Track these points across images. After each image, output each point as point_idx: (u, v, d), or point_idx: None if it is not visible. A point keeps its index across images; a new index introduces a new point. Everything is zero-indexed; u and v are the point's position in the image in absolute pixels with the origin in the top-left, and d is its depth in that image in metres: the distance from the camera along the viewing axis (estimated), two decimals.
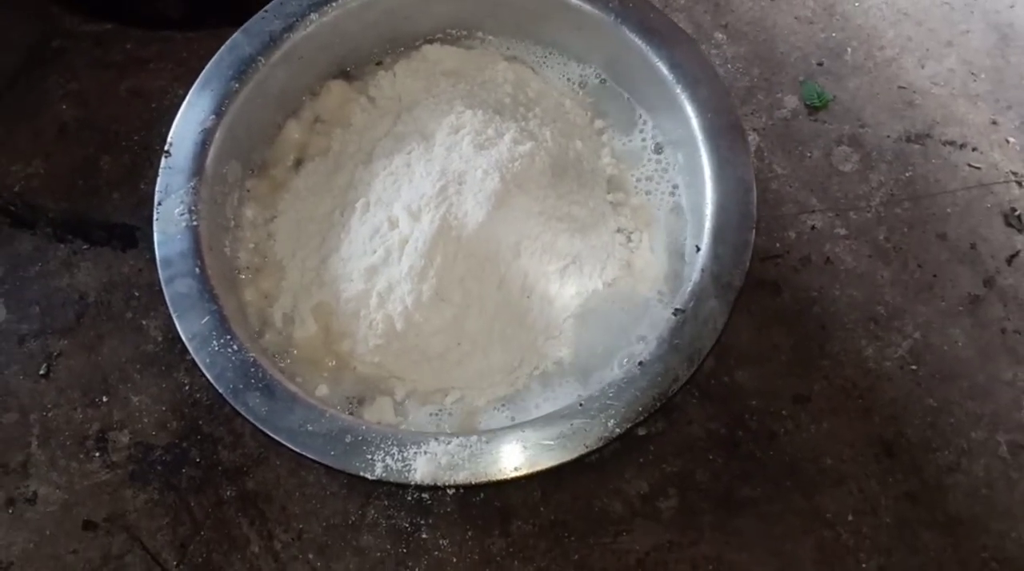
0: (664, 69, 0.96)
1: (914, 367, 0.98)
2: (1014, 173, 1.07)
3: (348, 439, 0.79)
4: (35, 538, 0.91)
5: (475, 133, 0.96)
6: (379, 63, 1.07)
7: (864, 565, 0.90)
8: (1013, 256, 1.03)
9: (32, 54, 1.15)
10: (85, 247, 1.04)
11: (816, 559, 0.90)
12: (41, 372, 0.98)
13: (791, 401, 0.96)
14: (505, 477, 0.79)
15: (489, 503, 0.92)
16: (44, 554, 0.91)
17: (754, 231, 0.87)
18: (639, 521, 0.91)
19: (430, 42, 1.07)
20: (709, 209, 0.89)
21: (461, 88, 1.03)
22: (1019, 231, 1.04)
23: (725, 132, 0.92)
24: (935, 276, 1.02)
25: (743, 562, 0.90)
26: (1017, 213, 1.05)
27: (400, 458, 0.79)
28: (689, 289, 0.86)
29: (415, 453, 0.79)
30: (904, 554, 0.90)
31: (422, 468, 0.78)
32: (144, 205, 0.94)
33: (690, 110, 0.94)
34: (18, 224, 1.06)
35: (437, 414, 0.90)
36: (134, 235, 1.04)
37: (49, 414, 0.96)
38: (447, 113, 0.99)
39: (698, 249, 0.88)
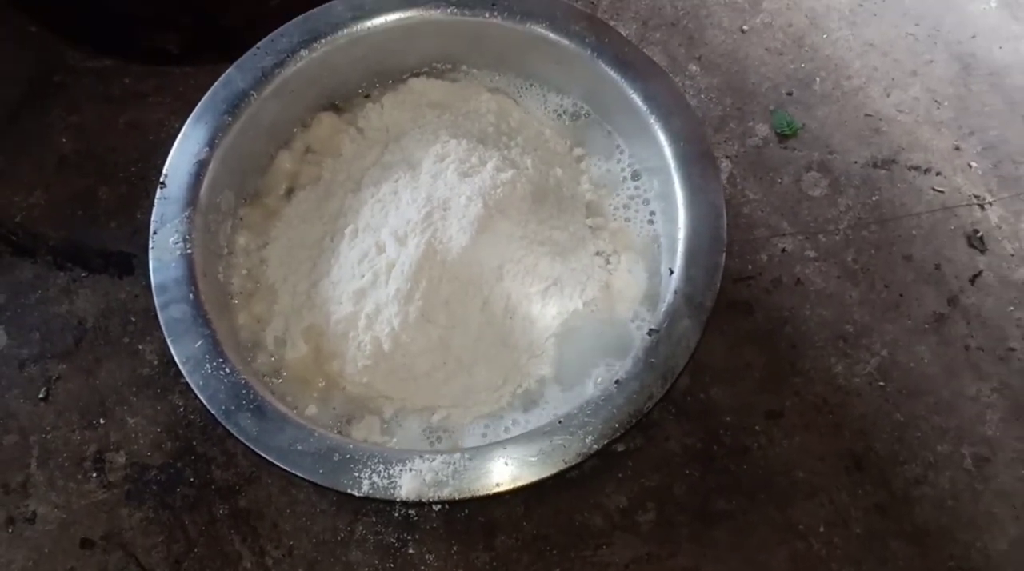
0: (639, 100, 0.97)
1: (882, 383, 0.99)
2: (976, 196, 1.09)
3: (336, 457, 0.80)
4: (34, 556, 0.92)
5: (459, 161, 0.97)
6: (367, 96, 1.08)
7: None
8: (976, 276, 1.04)
9: (35, 88, 1.16)
10: (84, 274, 1.05)
11: (789, 569, 0.90)
12: (41, 395, 0.99)
13: (764, 417, 0.97)
14: (488, 493, 0.80)
15: (473, 518, 0.92)
16: None
17: (725, 254, 0.89)
18: (619, 534, 0.92)
19: (416, 75, 1.09)
20: (682, 233, 0.90)
21: (446, 119, 1.05)
22: (981, 252, 1.05)
23: (697, 160, 0.93)
24: (901, 296, 1.03)
25: None
26: (979, 234, 1.06)
27: (386, 475, 0.80)
28: (663, 310, 0.87)
29: (400, 470, 0.80)
30: (874, 564, 0.91)
31: (407, 485, 0.79)
32: (140, 234, 0.95)
33: (663, 139, 0.95)
34: (19, 252, 1.07)
35: (424, 432, 0.91)
36: (131, 263, 1.05)
37: (48, 436, 0.97)
38: (432, 143, 1.00)
39: (671, 272, 0.89)
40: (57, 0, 1.21)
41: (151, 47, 1.18)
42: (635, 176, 1.02)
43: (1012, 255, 1.05)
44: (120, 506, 0.94)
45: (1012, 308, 1.02)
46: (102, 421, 0.97)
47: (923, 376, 0.99)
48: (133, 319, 1.02)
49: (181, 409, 0.98)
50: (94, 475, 0.95)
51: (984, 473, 0.95)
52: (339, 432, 0.89)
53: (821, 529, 0.92)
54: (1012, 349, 1.00)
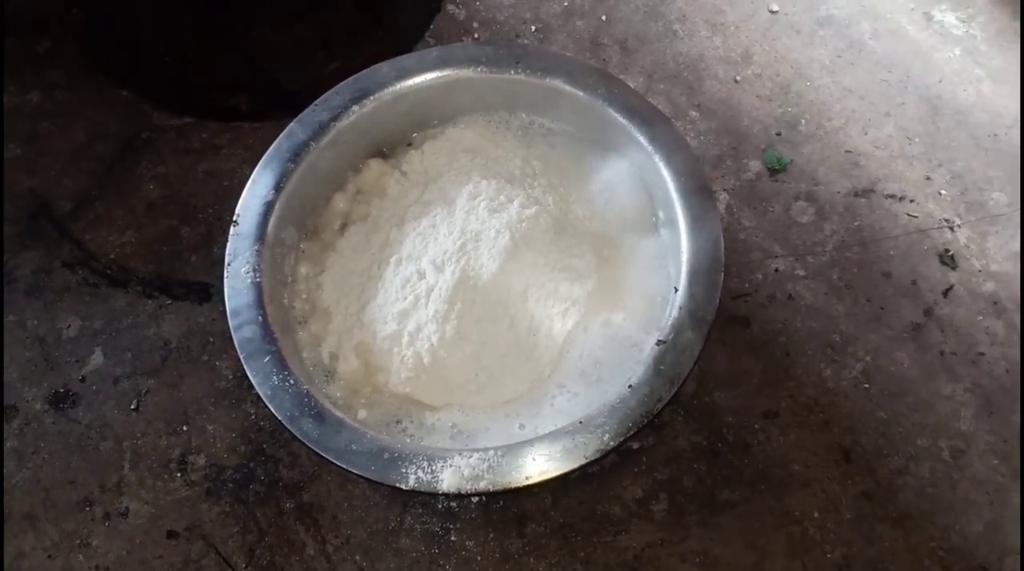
0: (645, 142, 0.98)
1: (866, 386, 0.98)
2: (946, 220, 1.08)
3: (386, 456, 0.81)
4: (127, 546, 0.93)
5: (489, 199, 0.99)
6: (410, 143, 1.10)
7: (829, 555, 0.90)
8: (948, 290, 1.04)
9: (127, 145, 1.19)
10: (169, 302, 1.07)
11: (787, 551, 0.90)
12: (132, 407, 1.00)
13: (762, 417, 0.97)
14: (520, 485, 0.80)
15: (507, 509, 0.93)
16: (135, 559, 0.92)
17: (723, 274, 0.89)
18: (635, 522, 0.92)
19: (452, 125, 1.10)
20: (685, 257, 0.91)
21: (478, 162, 1.06)
22: (952, 269, 1.05)
23: (696, 193, 0.94)
24: (882, 308, 1.03)
25: (725, 555, 0.90)
26: (950, 253, 1.06)
27: (430, 471, 0.80)
28: (669, 324, 0.87)
29: (442, 466, 0.80)
30: (863, 545, 0.90)
31: (448, 479, 0.80)
32: (217, 266, 0.97)
33: (667, 175, 0.96)
34: (114, 284, 1.08)
35: (460, 433, 0.91)
36: (209, 291, 1.07)
37: (139, 442, 0.98)
38: (466, 183, 1.01)
39: (676, 290, 0.90)
40: (144, 70, 1.24)
41: (225, 106, 1.20)
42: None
43: (980, 271, 1.04)
44: (201, 502, 0.95)
45: (981, 317, 1.01)
46: (185, 428, 0.99)
47: (903, 378, 0.98)
48: (211, 339, 1.04)
49: (253, 416, 0.99)
50: (178, 475, 0.96)
51: (960, 463, 0.94)
52: (385, 434, 0.89)
53: (815, 515, 0.92)
54: (982, 353, 0.99)
